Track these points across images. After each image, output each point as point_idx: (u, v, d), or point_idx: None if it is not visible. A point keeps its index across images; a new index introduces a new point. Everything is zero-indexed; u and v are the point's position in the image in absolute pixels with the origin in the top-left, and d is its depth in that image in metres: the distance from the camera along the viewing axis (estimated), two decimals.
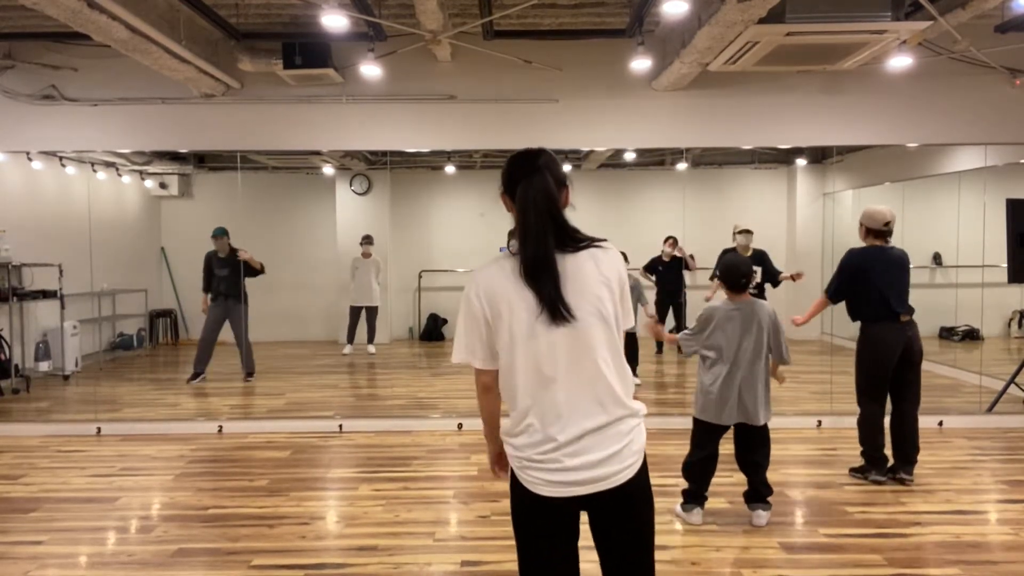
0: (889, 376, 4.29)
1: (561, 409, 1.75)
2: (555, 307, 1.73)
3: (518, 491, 1.84)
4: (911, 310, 4.30)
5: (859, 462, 4.45)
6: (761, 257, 7.05)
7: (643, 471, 1.83)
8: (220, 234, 7.28)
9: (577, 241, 1.80)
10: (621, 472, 1.76)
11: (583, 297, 1.76)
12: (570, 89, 5.86)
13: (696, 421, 3.74)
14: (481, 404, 1.96)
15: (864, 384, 4.36)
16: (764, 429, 3.71)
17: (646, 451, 1.85)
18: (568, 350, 1.75)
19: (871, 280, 4.23)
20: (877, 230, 4.29)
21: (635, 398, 1.84)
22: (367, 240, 8.58)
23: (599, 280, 1.79)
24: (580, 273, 1.78)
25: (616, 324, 1.81)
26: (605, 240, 1.86)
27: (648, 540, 1.86)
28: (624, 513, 1.81)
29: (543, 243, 1.75)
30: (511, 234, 1.84)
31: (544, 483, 1.77)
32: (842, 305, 4.47)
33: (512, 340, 1.78)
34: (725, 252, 7.10)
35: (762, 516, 3.71)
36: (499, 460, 2.01)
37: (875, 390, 4.33)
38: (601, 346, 1.77)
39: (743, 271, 3.64)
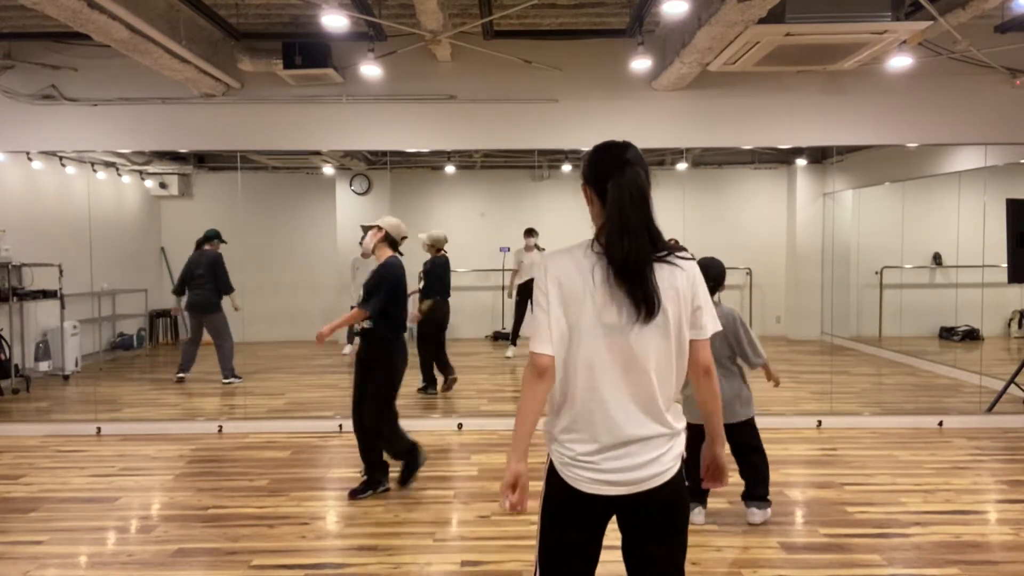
0: None
1: (612, 413, 1.76)
2: (650, 307, 1.71)
3: (555, 483, 1.83)
4: None
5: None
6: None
7: (680, 477, 1.84)
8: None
9: (659, 250, 1.77)
10: (660, 474, 1.78)
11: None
12: (570, 89, 5.86)
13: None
14: (527, 395, 1.78)
15: (388, 395, 4.25)
16: (752, 431, 3.72)
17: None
18: (630, 356, 1.75)
19: (405, 292, 4.26)
20: (397, 241, 4.29)
21: None
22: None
23: (671, 295, 1.76)
24: (658, 283, 1.76)
25: (678, 339, 1.79)
26: (685, 252, 1.82)
27: (682, 546, 1.89)
28: (661, 516, 1.83)
29: (642, 242, 1.73)
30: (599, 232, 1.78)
31: (586, 480, 1.78)
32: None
33: (578, 336, 1.76)
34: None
35: (756, 514, 3.71)
36: (516, 482, 1.79)
37: (394, 398, 4.31)
38: (657, 358, 1.77)
39: (711, 273, 3.63)
